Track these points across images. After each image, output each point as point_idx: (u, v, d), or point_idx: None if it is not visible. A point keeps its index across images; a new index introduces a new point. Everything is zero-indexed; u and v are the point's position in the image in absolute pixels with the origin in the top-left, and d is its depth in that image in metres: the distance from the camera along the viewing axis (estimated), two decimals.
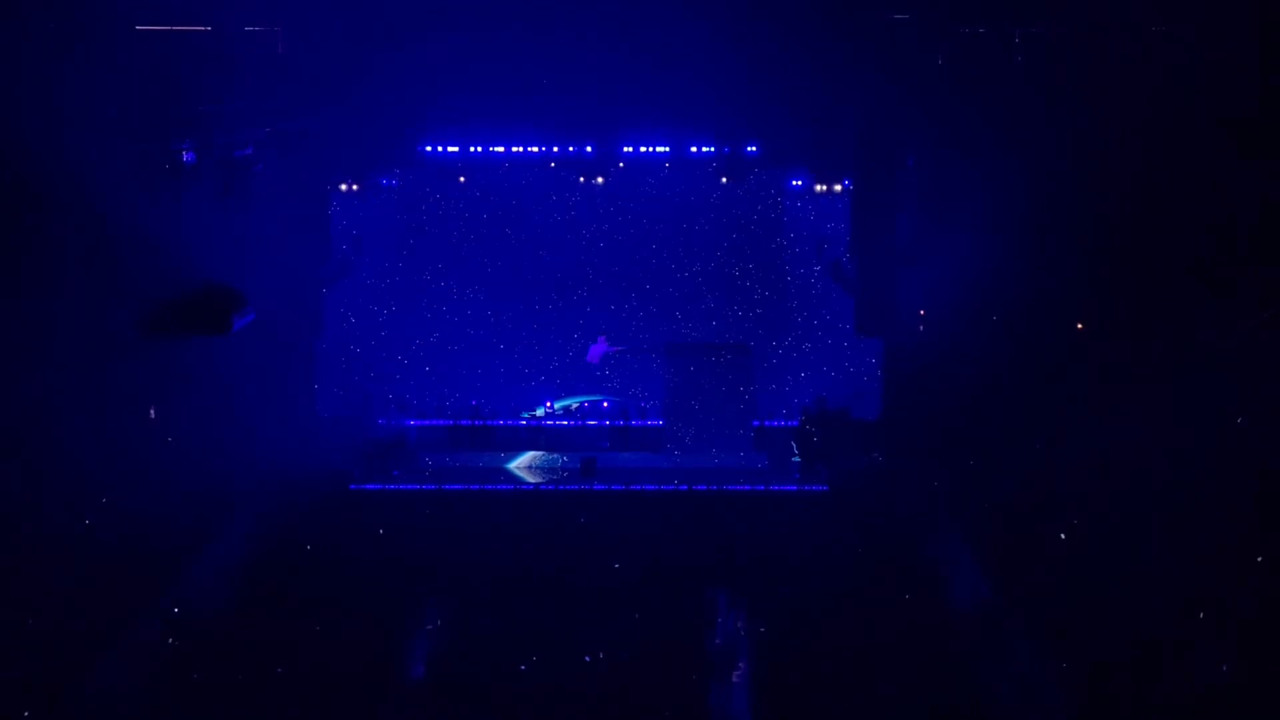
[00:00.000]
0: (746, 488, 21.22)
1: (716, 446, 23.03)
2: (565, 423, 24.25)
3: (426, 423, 24.40)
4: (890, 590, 17.02)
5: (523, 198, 24.36)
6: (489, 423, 24.23)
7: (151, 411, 19.52)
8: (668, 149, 22.81)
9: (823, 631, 16.10)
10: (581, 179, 23.73)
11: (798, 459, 22.55)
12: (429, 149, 22.85)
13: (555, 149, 22.93)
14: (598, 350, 24.44)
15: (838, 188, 23.36)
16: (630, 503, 20.77)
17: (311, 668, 15.19)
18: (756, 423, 23.64)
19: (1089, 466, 17.67)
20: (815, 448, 22.60)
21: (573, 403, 23.61)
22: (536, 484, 21.60)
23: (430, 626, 16.47)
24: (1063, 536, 17.14)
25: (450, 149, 22.87)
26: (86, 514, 16.70)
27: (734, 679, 15.52)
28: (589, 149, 22.86)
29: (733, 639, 16.31)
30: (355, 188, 23.48)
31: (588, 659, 15.70)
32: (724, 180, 23.69)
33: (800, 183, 23.69)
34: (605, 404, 24.42)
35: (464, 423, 24.25)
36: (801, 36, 19.79)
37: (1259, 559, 14.31)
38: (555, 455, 22.75)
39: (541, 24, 19.69)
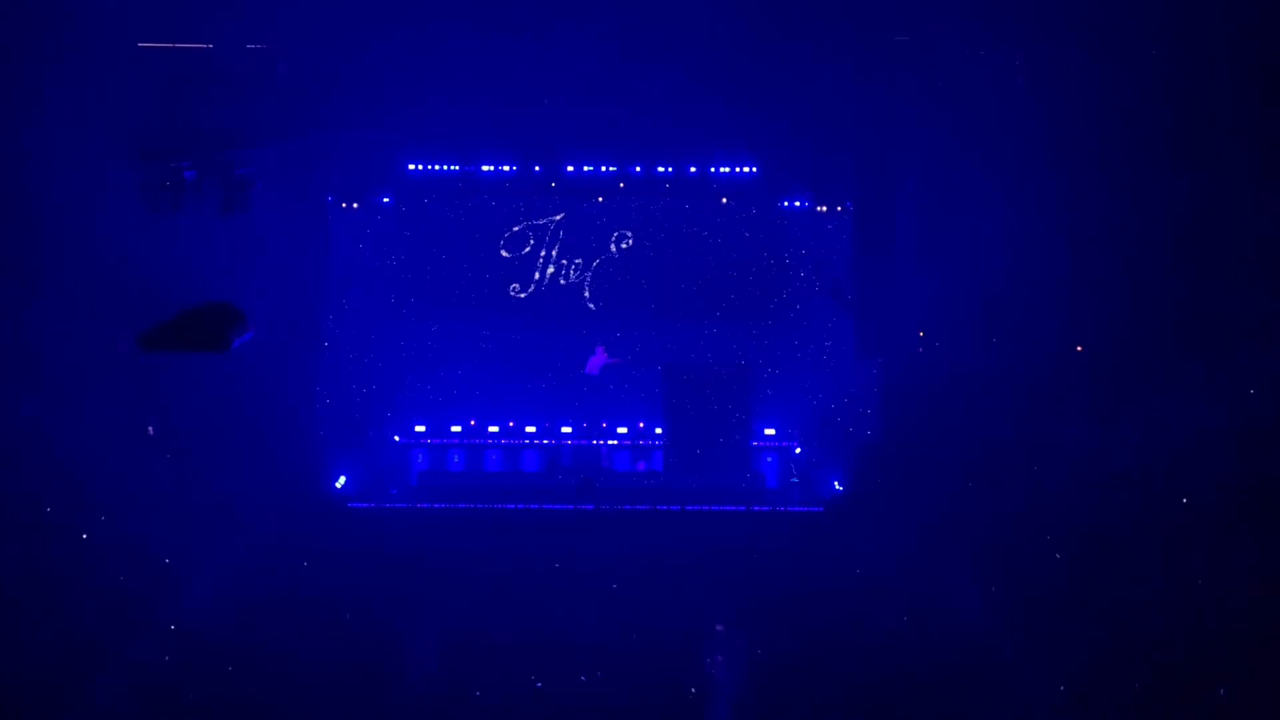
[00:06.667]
0: (744, 508, 21.18)
1: (714, 467, 23.01)
2: (567, 442, 24.28)
3: (425, 441, 24.42)
4: (888, 611, 17.00)
5: (521, 216, 24.35)
6: (488, 441, 24.25)
7: (150, 429, 19.54)
8: (670, 169, 22.86)
9: (820, 652, 16.07)
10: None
11: (796, 480, 22.54)
12: (427, 167, 22.86)
13: (555, 168, 22.97)
14: (597, 362, 24.45)
15: (838, 208, 23.41)
16: (628, 523, 20.75)
17: (308, 686, 15.15)
18: (754, 442, 23.67)
19: (1087, 486, 17.69)
20: (814, 468, 22.58)
21: None
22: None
23: (426, 644, 16.45)
24: (1058, 556, 17.15)
25: (450, 167, 22.90)
26: (85, 530, 16.70)
27: (730, 699, 15.48)
28: (589, 168, 22.91)
29: (730, 659, 16.27)
30: (355, 206, 23.52)
31: (584, 678, 15.68)
32: (724, 201, 23.74)
33: (801, 204, 23.72)
34: (604, 423, 24.45)
35: (463, 441, 24.28)
36: (803, 58, 19.83)
37: (1258, 571, 14.34)
38: None
39: (537, 46, 19.73)
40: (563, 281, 24.46)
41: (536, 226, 24.32)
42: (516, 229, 24.35)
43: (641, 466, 24.00)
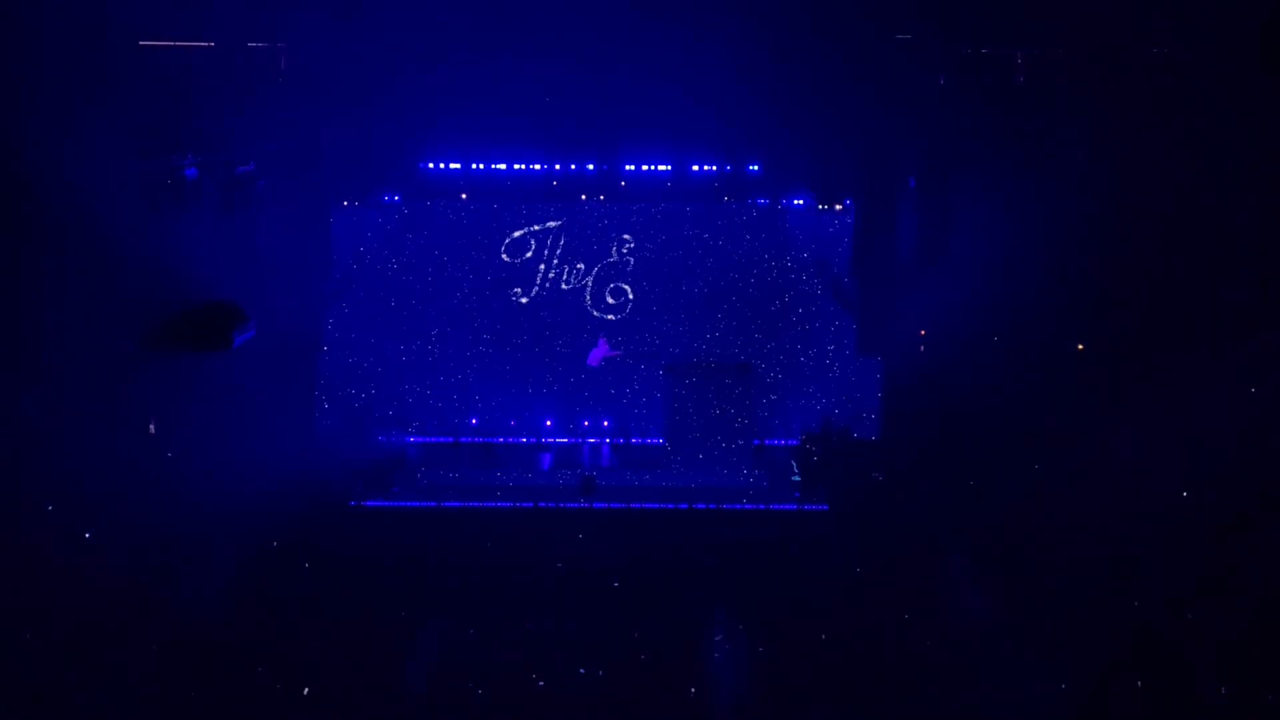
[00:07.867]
0: (747, 506, 21.18)
1: (717, 465, 23.05)
2: (565, 440, 24.28)
3: (427, 440, 24.41)
4: (890, 609, 17.00)
5: (524, 216, 24.33)
6: (489, 440, 24.24)
7: (151, 427, 19.51)
8: (670, 168, 22.86)
9: (822, 650, 16.08)
10: (584, 197, 23.78)
11: (798, 478, 22.53)
12: (430, 166, 22.90)
13: (557, 167, 22.97)
14: (599, 353, 24.45)
15: (839, 207, 23.42)
16: (630, 521, 20.74)
17: (311, 684, 15.17)
18: (757, 441, 23.67)
19: (1087, 484, 17.70)
20: (815, 467, 22.58)
21: None
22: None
23: (429, 642, 16.46)
24: (1059, 554, 17.14)
25: (452, 166, 22.93)
26: (87, 529, 16.69)
27: (733, 697, 15.48)
28: (591, 167, 22.91)
29: (732, 657, 16.28)
30: (357, 204, 23.52)
31: (583, 670, 15.70)
32: (725, 199, 23.73)
33: (802, 203, 23.71)
34: (605, 423, 24.45)
35: (464, 440, 24.27)
36: (805, 56, 19.86)
37: (1257, 572, 14.34)
38: None
39: (546, 44, 19.75)
40: (564, 286, 24.44)
41: (537, 231, 24.28)
42: (518, 234, 24.32)
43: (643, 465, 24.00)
